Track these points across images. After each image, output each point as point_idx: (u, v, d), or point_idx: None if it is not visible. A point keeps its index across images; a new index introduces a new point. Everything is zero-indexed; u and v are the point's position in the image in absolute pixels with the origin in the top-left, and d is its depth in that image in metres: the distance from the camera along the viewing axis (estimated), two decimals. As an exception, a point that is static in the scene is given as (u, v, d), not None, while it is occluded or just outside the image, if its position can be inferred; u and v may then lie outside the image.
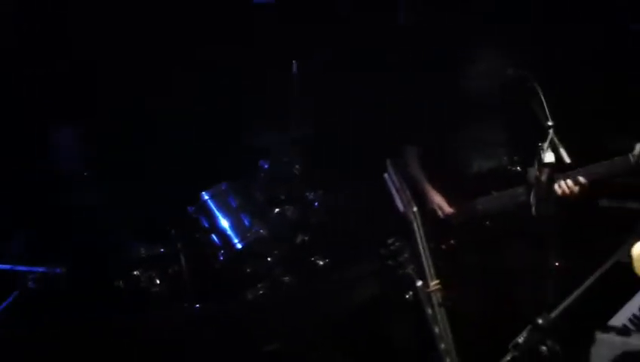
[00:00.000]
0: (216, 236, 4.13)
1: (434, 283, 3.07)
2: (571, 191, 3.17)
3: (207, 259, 4.13)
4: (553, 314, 1.99)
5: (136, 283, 3.97)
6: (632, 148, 3.13)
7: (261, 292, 3.96)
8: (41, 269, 3.76)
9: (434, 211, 3.51)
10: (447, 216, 3.49)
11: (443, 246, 3.44)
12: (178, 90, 4.58)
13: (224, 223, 4.13)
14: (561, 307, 1.98)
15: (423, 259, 3.09)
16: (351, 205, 4.42)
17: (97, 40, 4.53)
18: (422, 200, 3.55)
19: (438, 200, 3.53)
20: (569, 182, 3.17)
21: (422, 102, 3.76)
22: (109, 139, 4.55)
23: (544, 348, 2.08)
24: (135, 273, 3.99)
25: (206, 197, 4.16)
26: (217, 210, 4.16)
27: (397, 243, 3.08)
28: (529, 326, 2.06)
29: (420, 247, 3.12)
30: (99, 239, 4.11)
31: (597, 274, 1.91)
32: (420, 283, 3.03)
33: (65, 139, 4.30)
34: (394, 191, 3.19)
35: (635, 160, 3.11)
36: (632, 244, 2.04)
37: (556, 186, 3.16)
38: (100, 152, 4.46)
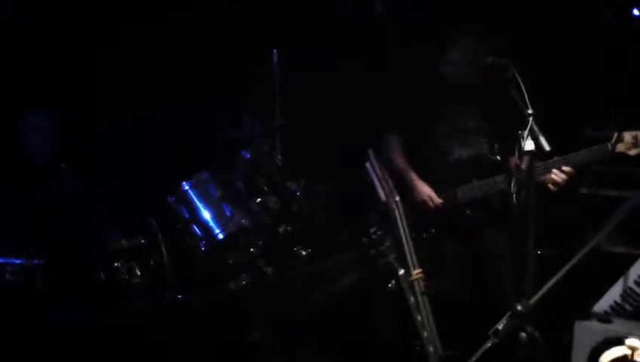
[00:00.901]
0: (198, 226, 4.13)
1: (416, 272, 3.13)
2: (562, 180, 3.28)
3: (188, 250, 4.15)
4: (532, 301, 2.04)
5: (116, 275, 3.97)
6: (610, 138, 3.23)
7: (244, 282, 3.99)
8: (19, 261, 3.77)
9: (424, 202, 3.55)
10: (436, 207, 3.53)
11: (424, 235, 3.48)
12: (160, 80, 4.58)
13: (205, 213, 4.13)
14: (540, 293, 2.03)
15: (405, 247, 3.15)
16: (333, 195, 4.45)
17: (77, 29, 4.52)
18: (409, 190, 3.58)
19: (427, 191, 3.56)
20: (558, 172, 3.28)
21: (402, 91, 3.80)
22: (88, 128, 4.55)
23: (523, 334, 2.12)
24: (116, 264, 3.99)
25: (186, 187, 4.15)
26: (198, 200, 4.16)
27: (379, 233, 3.13)
28: (508, 313, 2.11)
29: (402, 236, 3.17)
30: (78, 230, 4.11)
31: (574, 260, 1.96)
32: (402, 271, 3.09)
33: (38, 124, 4.29)
34: (376, 181, 3.23)
35: (612, 148, 3.21)
36: (609, 231, 2.09)
37: (550, 176, 3.27)
38: (80, 142, 4.46)
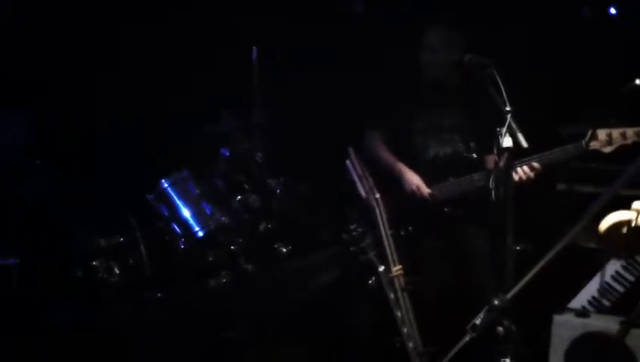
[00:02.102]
0: (177, 224, 4.15)
1: (396, 269, 3.20)
2: (528, 178, 3.34)
3: (167, 248, 4.17)
4: (509, 295, 2.11)
5: (94, 274, 3.99)
6: (584, 135, 3.31)
7: (224, 280, 4.02)
8: (-6, 260, 3.78)
9: (412, 192, 3.60)
10: (425, 197, 3.59)
11: (402, 233, 3.54)
12: (139, 76, 4.59)
13: (185, 211, 4.15)
14: (517, 287, 2.10)
15: (386, 244, 3.21)
16: (313, 192, 4.49)
17: (43, 21, 4.51)
18: (396, 183, 3.63)
19: (416, 180, 3.61)
20: (525, 168, 3.34)
21: (382, 88, 3.86)
22: (67, 124, 4.55)
23: (500, 328, 2.18)
24: (94, 263, 4.01)
25: (165, 184, 4.16)
26: (178, 197, 4.18)
27: (359, 230, 3.20)
28: (486, 308, 2.17)
29: (383, 233, 3.23)
30: (55, 229, 4.12)
31: (552, 253, 2.04)
32: (382, 268, 3.16)
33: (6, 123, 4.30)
34: (356, 178, 3.29)
35: (586, 146, 3.29)
36: (583, 227, 2.16)
37: (514, 174, 3.32)
38: (56, 139, 4.46)
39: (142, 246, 4.07)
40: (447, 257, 3.66)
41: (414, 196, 3.58)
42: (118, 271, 4.06)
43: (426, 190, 3.57)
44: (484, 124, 2.81)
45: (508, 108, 2.71)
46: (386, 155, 3.73)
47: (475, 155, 3.59)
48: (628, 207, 3.72)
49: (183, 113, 4.65)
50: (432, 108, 3.68)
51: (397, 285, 3.16)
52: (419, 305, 3.18)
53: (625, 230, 2.18)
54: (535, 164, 3.35)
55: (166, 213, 4.18)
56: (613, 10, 4.12)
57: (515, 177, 3.31)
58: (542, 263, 2.04)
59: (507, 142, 2.64)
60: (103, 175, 4.39)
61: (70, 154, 4.50)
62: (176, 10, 4.68)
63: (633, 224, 2.14)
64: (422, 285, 3.33)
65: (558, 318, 3.22)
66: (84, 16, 4.56)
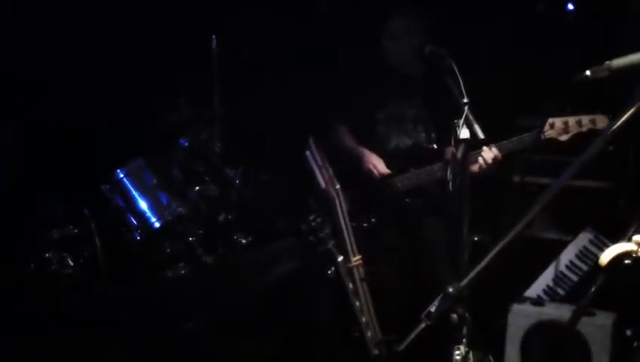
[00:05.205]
0: (133, 215, 4.18)
1: (355, 259, 3.33)
2: (487, 165, 3.49)
3: (123, 240, 4.21)
4: (463, 282, 2.23)
5: (47, 266, 4.02)
6: (541, 124, 3.47)
7: (182, 271, 4.08)
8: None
9: (369, 171, 3.70)
10: (382, 177, 3.70)
11: (364, 224, 3.66)
12: (96, 64, 4.61)
13: (141, 202, 4.17)
14: (473, 273, 2.21)
15: (345, 235, 3.34)
16: (272, 182, 4.57)
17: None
18: (357, 170, 3.74)
19: (374, 160, 3.72)
20: (485, 155, 3.49)
21: (346, 80, 3.97)
22: (15, 111, 4.54)
23: (454, 315, 2.31)
24: (47, 255, 4.04)
25: (121, 175, 4.17)
26: (133, 188, 4.18)
27: (318, 220, 3.31)
28: (440, 295, 2.29)
29: (342, 223, 3.36)
30: (6, 220, 4.13)
31: (501, 244, 2.17)
32: (341, 258, 3.28)
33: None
34: (315, 168, 3.41)
35: (543, 134, 3.45)
36: (533, 216, 2.30)
37: (478, 158, 3.48)
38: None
39: (96, 238, 4.10)
40: (407, 247, 3.78)
41: (372, 175, 3.68)
42: (72, 264, 4.09)
43: (383, 169, 3.68)
44: (446, 115, 2.93)
45: (465, 100, 2.86)
46: (350, 142, 3.85)
47: (436, 146, 3.71)
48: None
49: (138, 100, 4.67)
50: (396, 98, 3.80)
51: (356, 275, 3.29)
52: (378, 294, 3.31)
53: (627, 261, 2.30)
54: (494, 150, 3.47)
55: (121, 204, 4.20)
56: (570, 7, 4.30)
57: (475, 167, 3.47)
58: (494, 251, 2.17)
59: (464, 133, 2.78)
60: (55, 164, 4.39)
61: (20, 145, 4.49)
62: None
63: (634, 255, 2.25)
64: (381, 275, 3.47)
65: (515, 307, 3.41)
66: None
